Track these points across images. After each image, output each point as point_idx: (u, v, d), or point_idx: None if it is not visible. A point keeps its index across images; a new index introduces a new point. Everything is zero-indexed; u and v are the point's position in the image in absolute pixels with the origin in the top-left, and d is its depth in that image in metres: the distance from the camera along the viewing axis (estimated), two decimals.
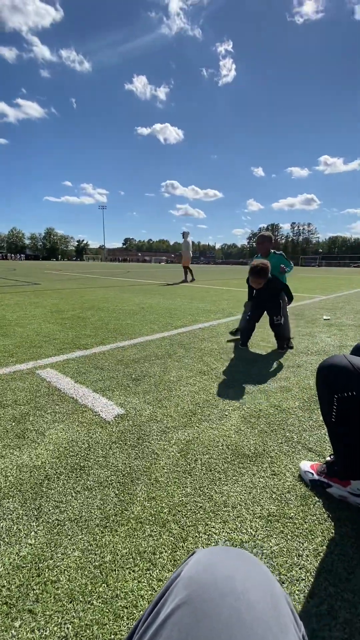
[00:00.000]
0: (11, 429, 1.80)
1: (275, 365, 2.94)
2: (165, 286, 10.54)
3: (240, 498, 1.32)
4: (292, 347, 3.48)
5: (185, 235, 11.99)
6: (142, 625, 0.35)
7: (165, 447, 1.65)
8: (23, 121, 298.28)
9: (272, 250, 3.73)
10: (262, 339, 3.81)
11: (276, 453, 1.62)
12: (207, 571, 0.34)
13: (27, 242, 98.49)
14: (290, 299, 3.42)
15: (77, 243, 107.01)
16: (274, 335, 3.46)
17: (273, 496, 1.33)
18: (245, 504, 1.29)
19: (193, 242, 11.99)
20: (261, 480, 1.43)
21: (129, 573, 1.01)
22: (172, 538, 1.13)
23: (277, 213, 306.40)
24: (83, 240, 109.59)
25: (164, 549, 1.09)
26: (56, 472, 1.45)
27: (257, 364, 2.95)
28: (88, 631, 0.85)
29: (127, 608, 0.91)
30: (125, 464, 1.51)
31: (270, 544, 1.11)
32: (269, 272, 3.16)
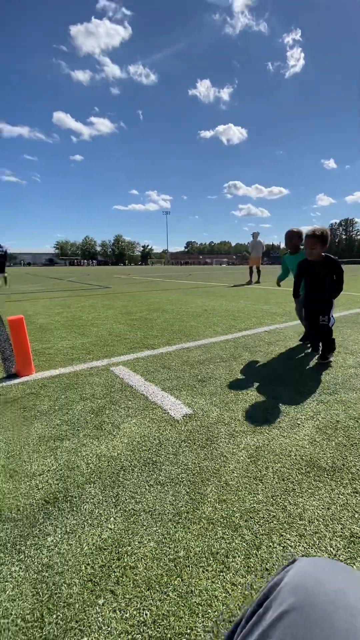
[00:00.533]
0: (90, 420, 1.96)
1: (352, 371, 2.69)
2: (227, 288, 10.45)
3: (318, 513, 1.24)
4: (329, 363, 2.90)
5: (255, 235, 11.77)
6: (244, 624, 0.35)
7: (234, 450, 1.63)
8: (95, 137, 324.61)
9: (302, 247, 3.41)
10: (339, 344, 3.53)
11: (358, 469, 1.48)
12: (315, 580, 0.33)
13: (98, 248, 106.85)
14: (339, 289, 2.87)
15: (142, 248, 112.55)
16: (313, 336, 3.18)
17: (356, 516, 1.22)
18: (323, 519, 1.20)
19: (261, 242, 11.70)
20: (341, 497, 1.32)
21: (202, 572, 1.02)
22: (244, 544, 1.11)
23: (352, 207, 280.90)
24: (148, 246, 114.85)
25: (237, 553, 1.08)
26: (131, 464, 1.53)
27: (332, 371, 2.73)
28: (165, 621, 0.88)
29: (201, 606, 0.92)
30: (194, 463, 1.54)
31: (355, 567, 1.02)
32: (328, 240, 2.77)
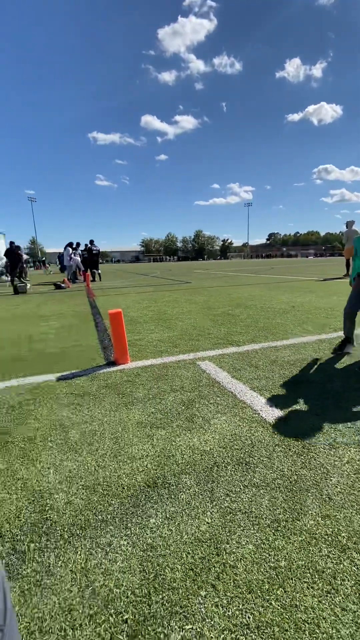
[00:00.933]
0: (182, 412, 2.03)
1: None
2: (317, 283, 9.63)
3: None
4: None
5: (349, 224, 10.60)
6: None
7: (335, 463, 1.50)
8: (179, 135, 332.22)
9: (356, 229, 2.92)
10: None
11: None
12: None
13: (179, 244, 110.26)
14: None
15: (221, 242, 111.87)
16: None
17: None
18: None
19: (357, 232, 10.43)
20: None
21: (307, 588, 0.96)
22: (355, 568, 1.01)
23: None
24: (227, 239, 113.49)
25: (346, 576, 0.98)
26: (224, 461, 1.54)
27: None
28: (269, 630, 0.86)
29: (308, 624, 0.87)
30: (291, 470, 1.46)
31: None
32: None
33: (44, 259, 37.06)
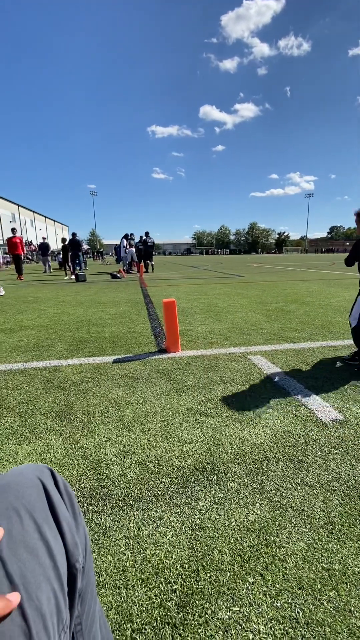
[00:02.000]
0: (231, 403, 2.02)
1: None
2: None
3: None
4: None
5: None
6: None
7: None
8: (238, 125, 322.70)
9: None
10: None
11: None
12: None
13: (232, 237, 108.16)
14: None
15: (277, 235, 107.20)
16: None
17: None
18: None
19: None
20: None
21: None
22: None
23: None
24: (284, 232, 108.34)
25: None
26: (275, 456, 1.51)
27: None
28: (319, 628, 0.84)
29: None
30: (349, 474, 1.38)
31: None
32: None
33: (101, 250, 39.12)
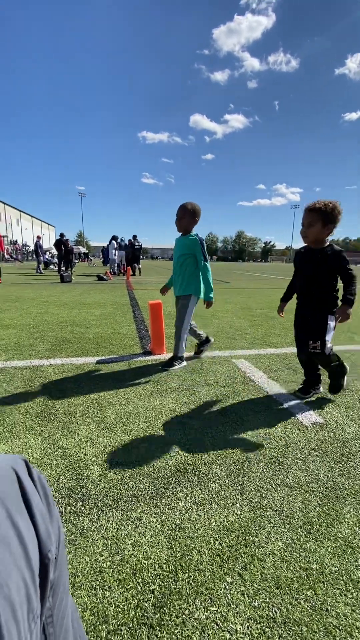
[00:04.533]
0: (215, 405, 2.03)
1: None
2: None
3: None
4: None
5: None
6: None
7: None
8: (228, 135, 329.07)
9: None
10: None
11: None
12: None
13: (219, 245, 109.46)
14: (352, 284, 1.85)
15: (263, 244, 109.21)
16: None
17: None
18: None
19: None
20: None
21: (340, 595, 0.92)
22: None
23: None
24: (270, 242, 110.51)
25: None
26: (256, 458, 1.51)
27: None
28: (296, 627, 0.84)
29: (339, 630, 0.83)
30: (327, 476, 1.40)
31: None
32: (335, 219, 1.85)
33: (87, 252, 38.59)
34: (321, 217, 1.86)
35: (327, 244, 1.95)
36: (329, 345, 1.99)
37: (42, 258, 15.33)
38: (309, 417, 1.89)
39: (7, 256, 25.57)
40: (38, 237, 15.39)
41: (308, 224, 1.90)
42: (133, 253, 14.14)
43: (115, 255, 14.14)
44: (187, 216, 2.53)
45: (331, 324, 1.96)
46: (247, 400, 2.11)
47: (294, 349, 3.21)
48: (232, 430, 1.75)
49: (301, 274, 2.06)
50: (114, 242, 14.20)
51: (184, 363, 2.73)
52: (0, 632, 0.32)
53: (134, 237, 14.25)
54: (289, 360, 2.90)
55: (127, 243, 14.37)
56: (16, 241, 41.77)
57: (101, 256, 23.80)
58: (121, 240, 14.49)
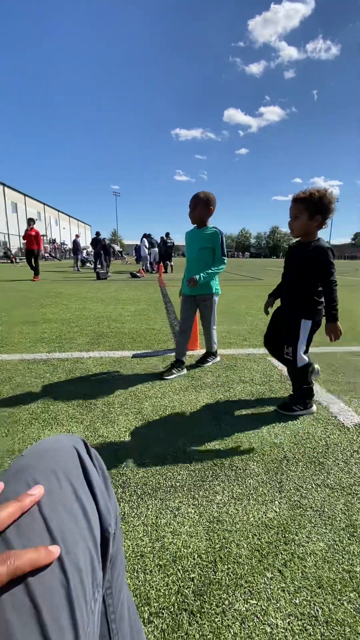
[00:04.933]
0: (250, 403, 2.01)
1: None
2: None
3: None
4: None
5: None
6: None
7: None
8: (263, 128, 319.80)
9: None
10: None
11: None
12: None
13: (252, 241, 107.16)
14: (331, 292, 1.68)
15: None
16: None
17: None
18: None
19: None
20: None
21: None
22: None
23: None
24: None
25: None
26: (295, 457, 1.48)
27: None
28: (339, 627, 0.82)
29: None
30: None
31: None
32: (325, 210, 1.65)
33: (121, 250, 39.47)
34: (307, 207, 1.66)
35: (316, 238, 1.75)
36: (304, 357, 1.82)
37: (80, 256, 15.93)
38: (350, 419, 1.82)
39: (46, 254, 26.89)
40: (77, 236, 15.96)
41: (294, 215, 1.73)
42: (165, 250, 14.26)
43: (147, 252, 14.35)
44: (200, 205, 2.35)
45: (304, 331, 1.79)
46: (284, 399, 2.06)
47: (336, 349, 3.09)
48: (269, 428, 1.72)
49: (284, 270, 1.92)
50: (145, 240, 14.41)
51: (218, 358, 2.73)
52: (69, 596, 0.35)
53: (167, 234, 14.36)
54: (328, 360, 2.80)
55: (160, 241, 14.52)
56: (54, 240, 43.76)
57: (134, 254, 24.27)
58: (152, 237, 14.66)
